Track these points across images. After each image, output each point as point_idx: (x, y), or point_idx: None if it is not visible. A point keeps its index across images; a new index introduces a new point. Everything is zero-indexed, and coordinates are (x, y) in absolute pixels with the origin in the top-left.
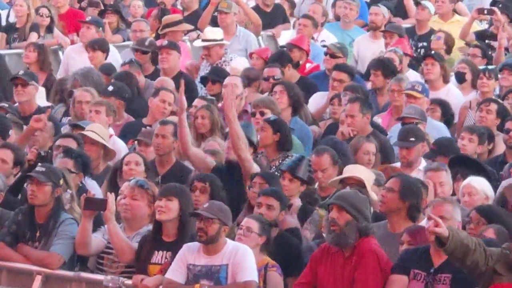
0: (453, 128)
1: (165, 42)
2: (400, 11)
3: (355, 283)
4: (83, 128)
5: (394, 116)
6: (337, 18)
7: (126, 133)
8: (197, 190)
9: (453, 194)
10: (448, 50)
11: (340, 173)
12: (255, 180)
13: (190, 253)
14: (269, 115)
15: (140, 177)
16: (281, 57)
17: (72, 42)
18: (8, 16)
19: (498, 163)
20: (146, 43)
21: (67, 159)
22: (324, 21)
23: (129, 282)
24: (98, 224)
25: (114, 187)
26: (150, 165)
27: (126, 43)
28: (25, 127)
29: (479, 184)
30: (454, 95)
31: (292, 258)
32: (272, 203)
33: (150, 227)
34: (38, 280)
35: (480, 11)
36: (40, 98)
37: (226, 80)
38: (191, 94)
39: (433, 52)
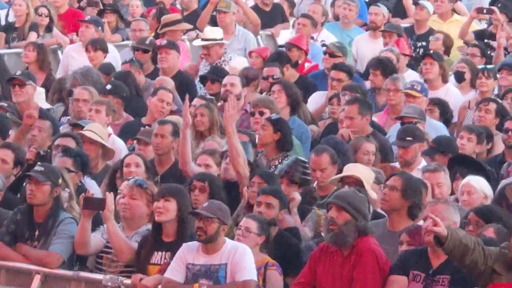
0: (452, 128)
1: (164, 41)
2: (399, 10)
3: (353, 282)
4: (83, 127)
5: (391, 115)
6: (336, 17)
7: (125, 133)
8: (196, 189)
9: (452, 193)
10: (447, 51)
11: (339, 172)
12: (254, 180)
13: (189, 253)
14: (268, 114)
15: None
16: (280, 57)
17: (71, 42)
18: (7, 15)
19: (497, 162)
20: (147, 42)
21: (66, 158)
22: (324, 21)
23: (128, 281)
24: (97, 223)
25: (113, 187)
26: (150, 164)
27: (125, 42)
28: None
29: (477, 183)
30: (453, 94)
31: (291, 257)
32: (272, 201)
33: (149, 226)
34: (37, 280)
35: (479, 10)
36: (40, 99)
37: (225, 80)
38: (190, 93)
39: (432, 51)
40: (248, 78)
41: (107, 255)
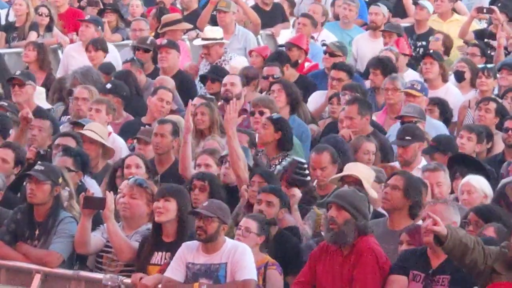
0: (452, 127)
1: (164, 41)
2: (399, 10)
3: (353, 281)
4: (83, 126)
5: (390, 115)
6: (336, 17)
7: (125, 132)
8: (196, 189)
9: (452, 192)
10: (446, 52)
11: (339, 171)
12: (254, 179)
13: (189, 252)
14: (268, 114)
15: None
16: (280, 57)
17: (72, 41)
18: (7, 15)
19: (497, 161)
20: (148, 41)
21: (66, 158)
22: (324, 21)
23: (128, 280)
24: (97, 222)
25: (113, 186)
26: (150, 163)
27: (125, 42)
28: None
29: (477, 183)
30: (453, 94)
31: (291, 257)
32: (272, 199)
33: (149, 225)
34: (37, 279)
35: (479, 10)
36: (40, 99)
37: (225, 79)
38: (190, 93)
39: (431, 51)
40: (248, 78)
41: (107, 255)
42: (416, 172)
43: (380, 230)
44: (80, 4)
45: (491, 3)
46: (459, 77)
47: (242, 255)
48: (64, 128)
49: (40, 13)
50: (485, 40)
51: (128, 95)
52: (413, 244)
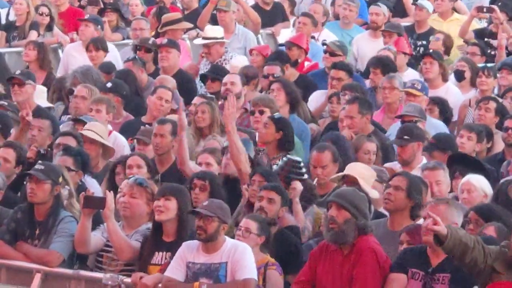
0: (452, 126)
1: (164, 40)
2: (399, 9)
3: (354, 281)
4: (84, 123)
5: (387, 114)
6: (336, 16)
7: (125, 131)
8: (196, 188)
9: (451, 191)
10: (447, 51)
11: (340, 170)
12: (254, 178)
13: (189, 251)
14: (268, 113)
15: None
16: (280, 57)
17: (72, 40)
18: (8, 14)
19: (497, 161)
20: (149, 42)
21: (66, 157)
22: (325, 20)
23: (128, 280)
24: (97, 222)
25: (112, 182)
26: (151, 162)
27: (126, 41)
28: None
29: (478, 182)
30: (453, 93)
31: (291, 256)
32: (273, 196)
33: (149, 225)
34: (37, 278)
35: (480, 9)
36: (41, 98)
37: (226, 78)
38: (190, 92)
39: (431, 50)
40: (247, 77)
41: (107, 254)
42: (417, 172)
43: (380, 231)
44: (80, 3)
45: (491, 2)
46: (459, 76)
47: (242, 254)
48: (64, 126)
49: (41, 13)
50: (485, 39)
51: (128, 94)
52: (413, 244)
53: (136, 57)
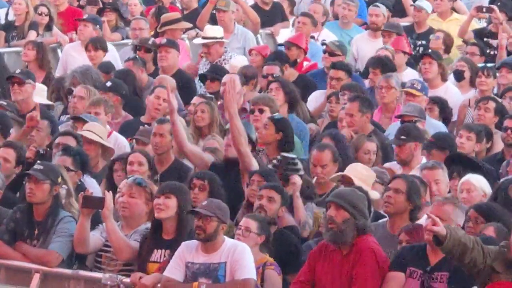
0: (451, 126)
1: (164, 40)
2: (398, 9)
3: (353, 281)
4: (84, 121)
5: (384, 113)
6: (336, 16)
7: (124, 131)
8: (196, 188)
9: (449, 191)
10: (447, 50)
11: (339, 170)
12: (254, 178)
13: (189, 251)
14: (268, 112)
15: (144, 176)
16: (279, 57)
17: (71, 40)
18: (7, 14)
19: (497, 161)
20: (149, 42)
21: (65, 157)
22: (325, 20)
23: (127, 280)
24: (96, 222)
25: (112, 185)
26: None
27: (125, 41)
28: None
29: (477, 181)
30: (453, 93)
31: (290, 256)
32: (273, 195)
33: (148, 225)
34: (36, 278)
35: (479, 9)
36: (41, 96)
37: (224, 78)
38: (189, 92)
39: (430, 51)
40: (246, 77)
41: (106, 254)
42: (416, 172)
43: (379, 234)
44: (79, 3)
45: (490, 2)
46: (459, 76)
47: (241, 254)
48: (63, 126)
49: (40, 12)
50: (485, 39)
51: (128, 94)
52: (412, 243)
53: (137, 56)
